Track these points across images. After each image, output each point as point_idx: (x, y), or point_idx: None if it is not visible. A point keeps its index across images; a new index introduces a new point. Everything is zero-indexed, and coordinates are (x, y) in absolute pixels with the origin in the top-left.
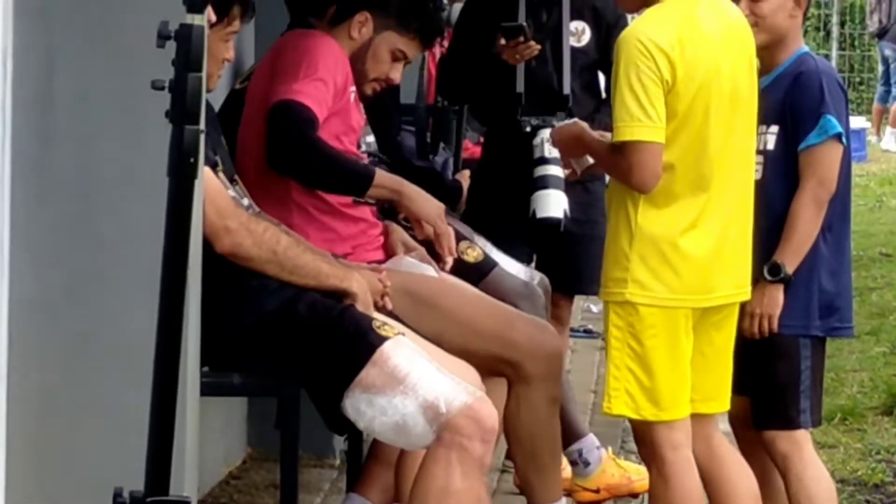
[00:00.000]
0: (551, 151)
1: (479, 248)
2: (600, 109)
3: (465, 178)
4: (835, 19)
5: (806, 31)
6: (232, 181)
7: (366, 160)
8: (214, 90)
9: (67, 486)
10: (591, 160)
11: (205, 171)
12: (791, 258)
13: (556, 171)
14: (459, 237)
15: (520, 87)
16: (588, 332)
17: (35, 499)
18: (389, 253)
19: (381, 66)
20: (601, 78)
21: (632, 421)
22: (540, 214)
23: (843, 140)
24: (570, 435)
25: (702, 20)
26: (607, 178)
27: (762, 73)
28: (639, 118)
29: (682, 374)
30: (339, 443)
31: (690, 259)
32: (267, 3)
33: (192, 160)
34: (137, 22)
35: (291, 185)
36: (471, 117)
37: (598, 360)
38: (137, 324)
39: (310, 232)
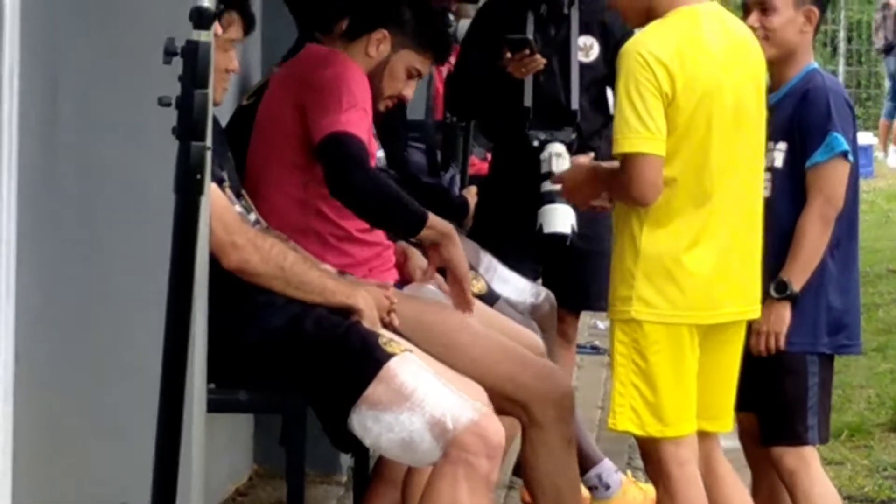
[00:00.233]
0: (559, 166)
1: (483, 280)
2: (608, 125)
3: (471, 194)
4: (842, 35)
5: (813, 47)
6: (238, 196)
7: None
8: (221, 104)
9: (74, 502)
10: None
11: (211, 187)
12: (798, 276)
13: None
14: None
15: (528, 101)
16: (595, 349)
17: None
18: (406, 277)
19: (396, 83)
20: (609, 94)
21: (638, 438)
22: (547, 229)
23: (850, 157)
24: (585, 462)
25: (704, 35)
26: None
27: (771, 89)
28: (637, 129)
29: (687, 391)
30: (346, 459)
31: (694, 275)
32: (272, 17)
33: (198, 176)
34: (144, 38)
35: (310, 213)
36: (477, 133)
37: (605, 376)
38: (144, 340)
39: (328, 258)
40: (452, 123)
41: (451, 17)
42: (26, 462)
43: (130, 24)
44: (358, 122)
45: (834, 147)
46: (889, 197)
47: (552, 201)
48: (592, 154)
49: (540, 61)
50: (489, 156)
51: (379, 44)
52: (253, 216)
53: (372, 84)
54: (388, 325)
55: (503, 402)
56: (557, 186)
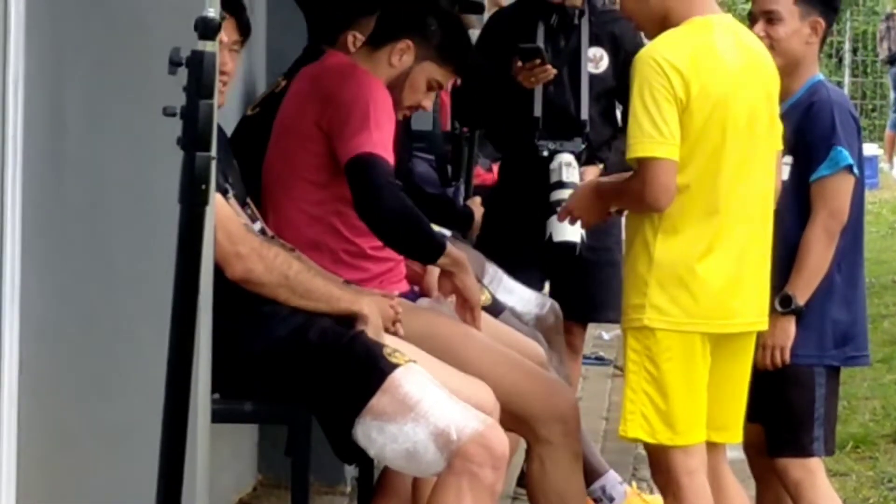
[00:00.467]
0: (569, 176)
1: (489, 291)
2: (617, 136)
3: (476, 204)
4: (847, 46)
5: (818, 58)
6: (244, 205)
7: None
8: (223, 106)
9: None
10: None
11: (216, 198)
12: (802, 290)
13: None
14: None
15: (537, 111)
16: (600, 359)
17: None
18: (423, 290)
19: (416, 94)
20: (618, 106)
21: (647, 446)
22: (557, 238)
23: (855, 171)
24: (589, 474)
25: (718, 45)
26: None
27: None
28: (650, 134)
29: (698, 400)
30: (351, 470)
31: (707, 284)
32: (278, 27)
33: (203, 187)
34: (149, 48)
35: (324, 229)
36: (482, 144)
37: (610, 387)
38: (149, 350)
39: (341, 274)
40: (458, 134)
41: None
42: (31, 470)
43: (135, 35)
44: (385, 142)
45: (839, 161)
46: (894, 208)
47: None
48: (601, 165)
49: (550, 71)
50: (494, 166)
51: (402, 54)
52: (258, 225)
53: (392, 94)
54: (393, 335)
55: (509, 418)
56: (566, 195)
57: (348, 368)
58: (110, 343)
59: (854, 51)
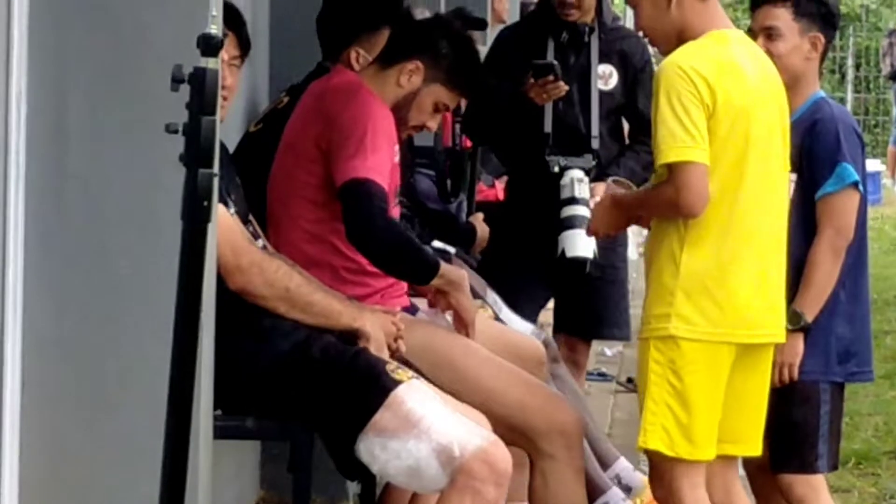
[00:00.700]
0: (581, 192)
1: (490, 307)
2: (625, 153)
3: (478, 220)
4: (850, 62)
5: (821, 74)
6: (245, 222)
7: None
8: (224, 121)
9: None
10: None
11: (219, 210)
12: (810, 306)
13: (585, 211)
14: (473, 295)
15: (547, 127)
16: (602, 376)
17: None
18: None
19: (422, 115)
20: (625, 123)
21: (653, 459)
22: (570, 254)
23: (860, 187)
24: (592, 490)
25: (738, 58)
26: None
27: None
28: (683, 139)
29: (717, 414)
30: (353, 486)
31: (733, 294)
32: (280, 43)
33: (205, 203)
34: (152, 65)
35: (324, 247)
36: (485, 160)
37: (612, 403)
38: (151, 365)
39: (342, 290)
40: (459, 150)
41: None
42: (33, 488)
43: (138, 51)
44: (380, 167)
45: (844, 178)
46: None
47: (572, 226)
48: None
49: (562, 87)
50: (496, 182)
51: (411, 74)
52: (260, 242)
53: (398, 114)
54: (395, 352)
55: (510, 432)
56: (578, 211)
57: (351, 384)
58: (112, 359)
59: (857, 67)
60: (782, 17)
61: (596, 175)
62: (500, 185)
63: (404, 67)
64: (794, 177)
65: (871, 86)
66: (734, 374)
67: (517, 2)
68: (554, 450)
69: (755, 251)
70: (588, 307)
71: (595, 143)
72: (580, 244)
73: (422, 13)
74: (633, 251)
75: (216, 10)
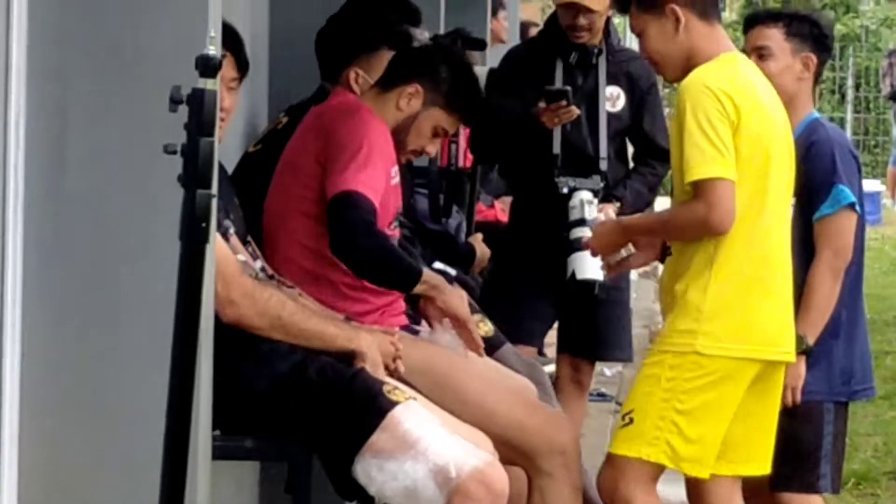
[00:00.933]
0: (591, 213)
1: (490, 323)
2: (630, 175)
3: (477, 241)
4: (850, 82)
5: (821, 94)
6: (245, 243)
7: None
8: (222, 142)
9: None
10: (623, 253)
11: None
12: (811, 329)
13: None
14: (473, 310)
15: (556, 148)
16: (601, 396)
17: None
18: (428, 320)
19: (421, 140)
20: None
21: (621, 456)
22: (580, 276)
23: (857, 208)
24: None
25: (751, 78)
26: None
27: None
28: (713, 155)
29: (724, 431)
30: None
31: (758, 311)
32: (279, 64)
33: (203, 224)
34: (150, 86)
35: (323, 263)
36: (484, 180)
37: (611, 423)
38: (150, 386)
39: (342, 306)
40: (457, 170)
41: None
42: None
43: (136, 72)
44: (372, 181)
45: (841, 199)
46: None
47: (581, 248)
48: (618, 204)
49: (574, 112)
50: (496, 203)
51: (411, 98)
52: (259, 263)
53: (396, 137)
54: (393, 372)
55: (509, 451)
56: (588, 233)
57: (348, 405)
58: (111, 379)
59: (857, 87)
60: (774, 38)
61: (603, 197)
62: (500, 205)
63: (404, 91)
64: (792, 200)
65: (871, 106)
66: (747, 394)
67: (517, 22)
68: (552, 469)
69: (775, 269)
70: (593, 328)
71: (604, 165)
72: (590, 267)
73: (421, 34)
74: (634, 272)
75: (215, 31)
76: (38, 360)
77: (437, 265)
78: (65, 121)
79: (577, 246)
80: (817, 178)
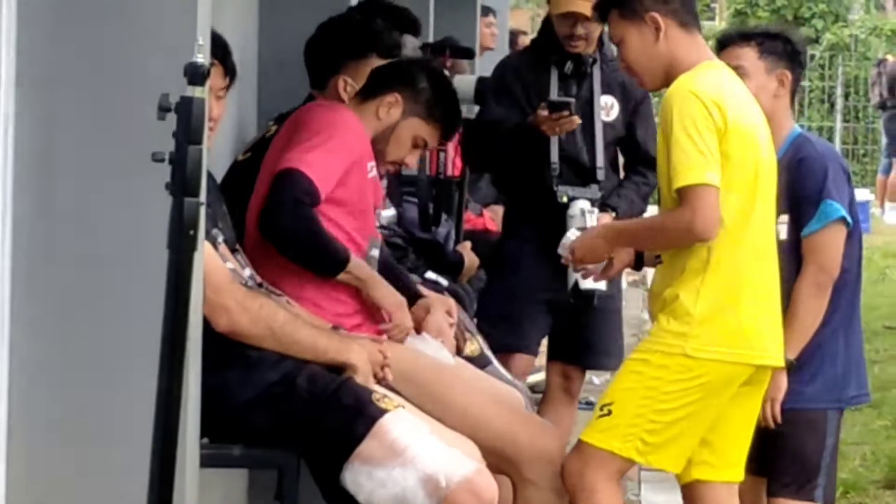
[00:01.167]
0: (591, 222)
1: (478, 342)
2: (623, 185)
3: (466, 249)
4: (839, 91)
5: (810, 103)
6: (234, 251)
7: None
8: (211, 150)
9: None
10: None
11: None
12: (794, 344)
13: None
14: (461, 329)
15: (554, 157)
16: (590, 404)
17: None
18: (417, 327)
19: (400, 150)
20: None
21: (586, 444)
22: (583, 286)
23: (849, 220)
24: None
25: (735, 85)
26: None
27: None
28: (699, 162)
29: (699, 435)
30: None
31: (747, 315)
32: (268, 73)
33: (192, 233)
34: (138, 94)
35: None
36: (473, 188)
37: None
38: (137, 394)
39: (324, 304)
40: (445, 179)
41: (446, 72)
42: None
43: (124, 80)
44: (322, 164)
45: (830, 214)
46: (885, 254)
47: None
48: (613, 213)
49: (575, 121)
50: (484, 211)
51: (390, 107)
52: (248, 271)
53: (375, 147)
54: (381, 380)
55: (495, 459)
56: None
57: (337, 414)
58: (99, 388)
59: (846, 96)
60: (748, 57)
61: (599, 206)
62: (489, 213)
63: (384, 100)
64: (785, 218)
65: (860, 115)
66: (734, 399)
67: (506, 29)
68: (537, 477)
69: (764, 274)
70: (585, 336)
71: (601, 175)
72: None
73: (412, 42)
74: (624, 281)
75: (203, 39)
76: (25, 369)
77: (430, 275)
78: (53, 128)
79: None
80: (805, 195)
